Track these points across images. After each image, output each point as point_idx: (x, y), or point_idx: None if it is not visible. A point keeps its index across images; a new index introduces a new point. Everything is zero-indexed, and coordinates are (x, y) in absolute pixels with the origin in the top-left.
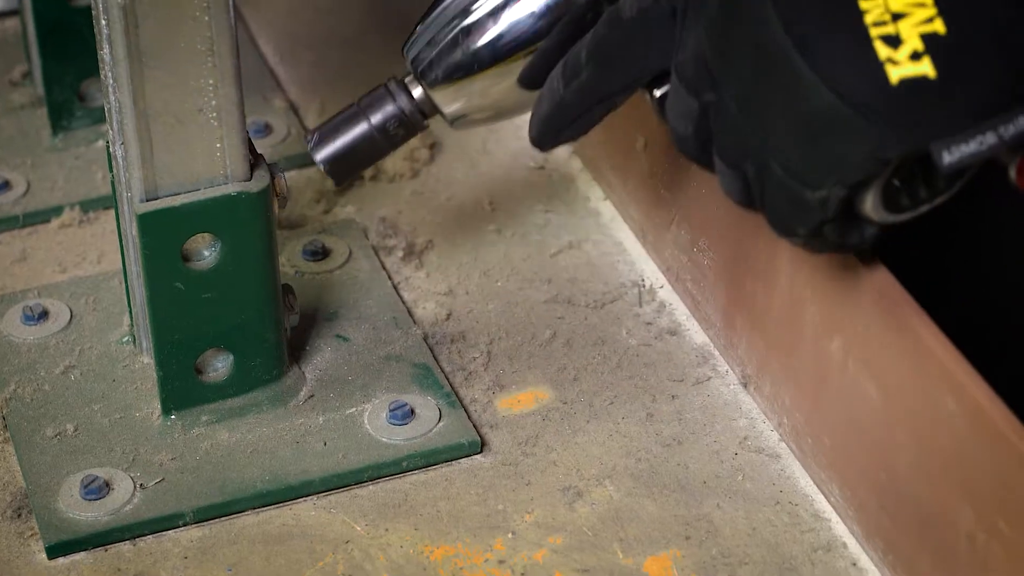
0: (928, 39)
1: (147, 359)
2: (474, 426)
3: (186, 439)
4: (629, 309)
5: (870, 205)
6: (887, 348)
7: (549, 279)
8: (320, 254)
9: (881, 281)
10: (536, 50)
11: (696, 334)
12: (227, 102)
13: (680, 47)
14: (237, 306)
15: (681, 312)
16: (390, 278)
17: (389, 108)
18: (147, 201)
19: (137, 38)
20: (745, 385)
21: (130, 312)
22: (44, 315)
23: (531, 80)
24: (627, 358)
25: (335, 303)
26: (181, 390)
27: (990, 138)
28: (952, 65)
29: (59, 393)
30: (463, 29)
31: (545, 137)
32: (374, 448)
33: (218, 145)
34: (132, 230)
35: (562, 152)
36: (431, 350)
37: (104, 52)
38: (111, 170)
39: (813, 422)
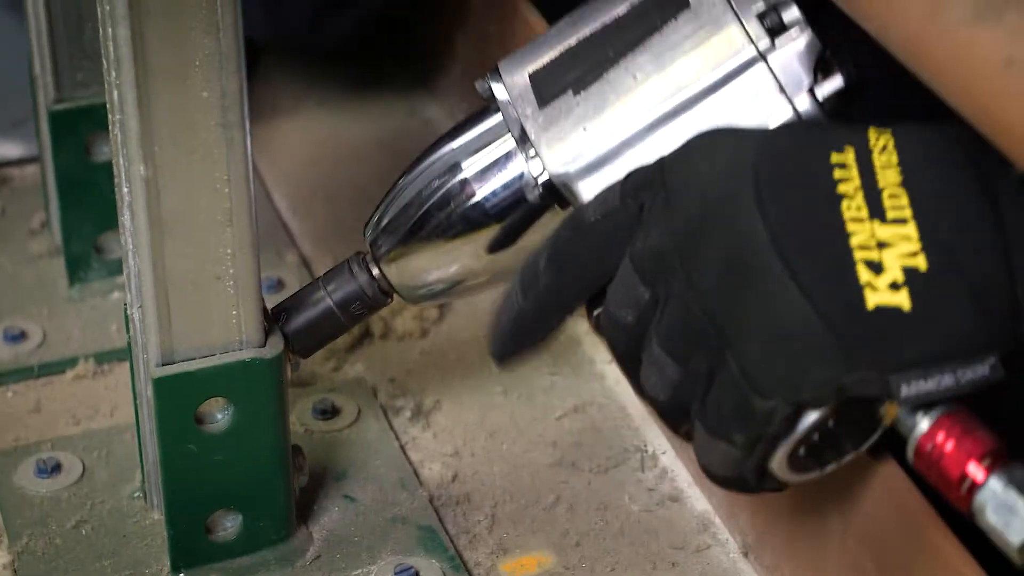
0: (909, 272)
1: (158, 515)
2: None
3: None
4: (632, 474)
5: (777, 466)
6: (886, 526)
7: (554, 442)
8: (329, 413)
9: (888, 472)
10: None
11: (698, 501)
12: (244, 270)
13: (641, 237)
14: (248, 468)
15: (683, 479)
16: (397, 438)
17: (350, 286)
18: (163, 365)
19: (159, 208)
20: (745, 554)
21: (142, 468)
22: (57, 468)
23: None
24: (629, 524)
25: (343, 462)
26: (190, 548)
27: (947, 380)
28: (928, 302)
29: (70, 548)
30: (406, 210)
31: (506, 348)
32: None
33: (234, 312)
34: (147, 392)
35: None
36: (436, 512)
37: (125, 218)
38: (128, 331)
39: None
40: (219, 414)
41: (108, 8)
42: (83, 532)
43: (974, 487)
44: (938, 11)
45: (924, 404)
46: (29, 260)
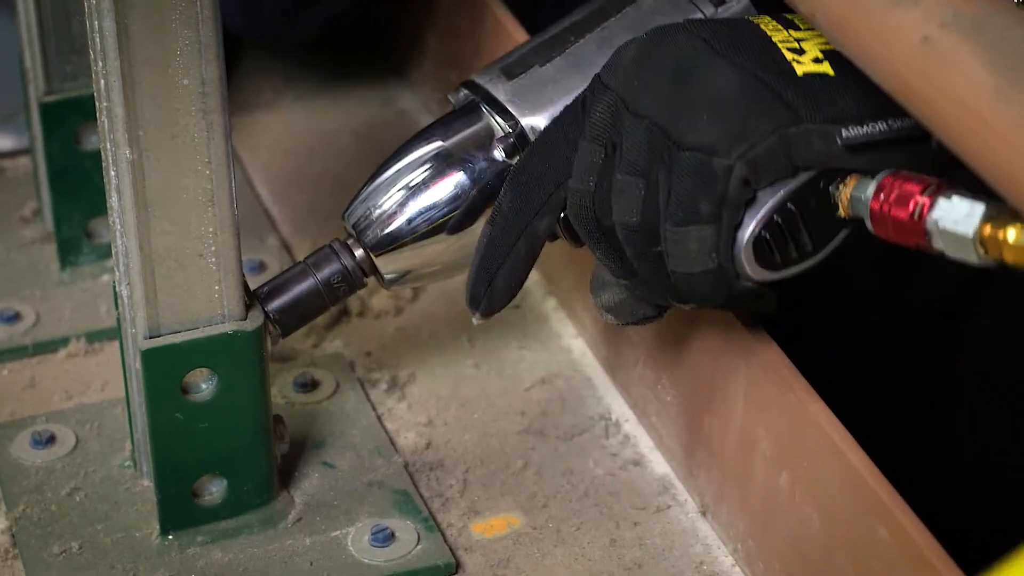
0: (826, 52)
1: (147, 482)
2: (450, 549)
3: (182, 558)
4: (596, 441)
5: (744, 253)
6: (828, 480)
7: (522, 411)
8: (309, 386)
9: (822, 417)
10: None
11: (658, 465)
12: (225, 248)
13: (588, 116)
14: (232, 435)
15: (645, 444)
16: (374, 409)
17: (334, 265)
18: (150, 338)
19: (144, 189)
20: (703, 513)
21: (132, 438)
22: (51, 440)
23: (459, 227)
24: (593, 487)
25: (322, 432)
26: (178, 512)
27: (881, 125)
28: (848, 71)
29: (65, 513)
30: (400, 200)
31: (478, 286)
32: (357, 569)
33: (216, 287)
34: (135, 364)
35: (537, 292)
36: (411, 477)
37: (113, 200)
38: (117, 308)
39: (764, 548)
40: (203, 384)
41: (94, 2)
42: (77, 499)
43: (923, 215)
44: None
45: (868, 170)
46: (22, 246)
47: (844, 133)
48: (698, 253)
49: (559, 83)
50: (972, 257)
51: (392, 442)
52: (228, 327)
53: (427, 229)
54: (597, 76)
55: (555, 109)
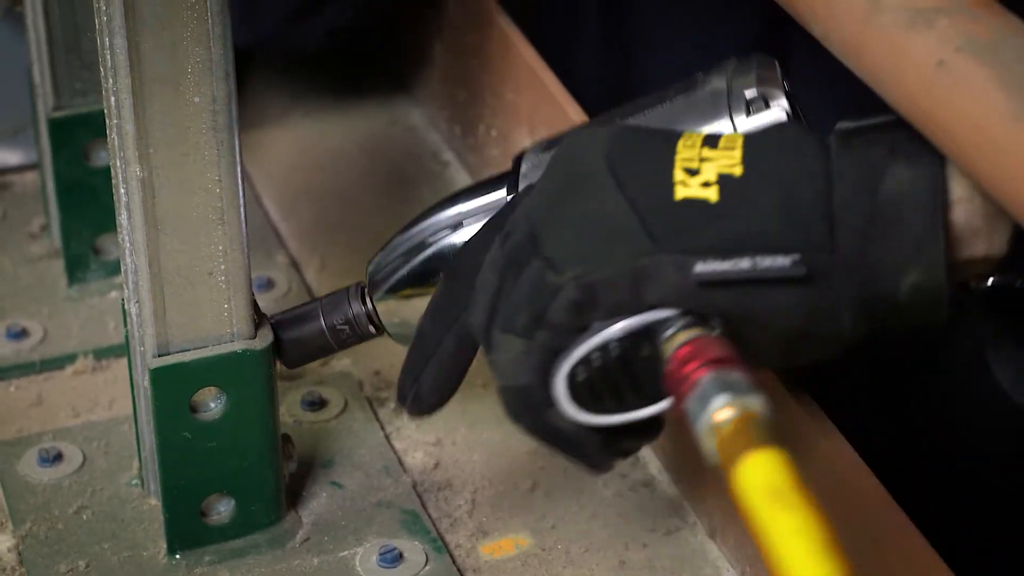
0: (723, 177)
1: (154, 501)
2: (458, 570)
3: None
4: None
5: (559, 384)
6: (837, 503)
7: None
8: (317, 404)
9: (834, 444)
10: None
11: (668, 487)
12: (235, 266)
13: (509, 204)
14: (240, 454)
15: (655, 466)
16: (382, 428)
17: (342, 311)
18: (159, 356)
19: (154, 207)
20: (712, 536)
21: (139, 456)
22: (58, 457)
23: None
24: (603, 508)
25: (331, 451)
26: (186, 531)
27: (744, 263)
28: (735, 197)
29: (72, 532)
30: (407, 254)
31: (405, 380)
32: None
33: (226, 306)
34: (144, 382)
35: None
36: (419, 497)
37: (122, 218)
38: (125, 325)
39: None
40: (212, 403)
41: (106, 19)
42: (84, 517)
43: (688, 390)
44: (875, 17)
45: (690, 336)
46: (30, 262)
47: (698, 267)
48: (507, 365)
49: None
50: (704, 447)
51: (400, 462)
52: (237, 346)
53: (426, 284)
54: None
55: None
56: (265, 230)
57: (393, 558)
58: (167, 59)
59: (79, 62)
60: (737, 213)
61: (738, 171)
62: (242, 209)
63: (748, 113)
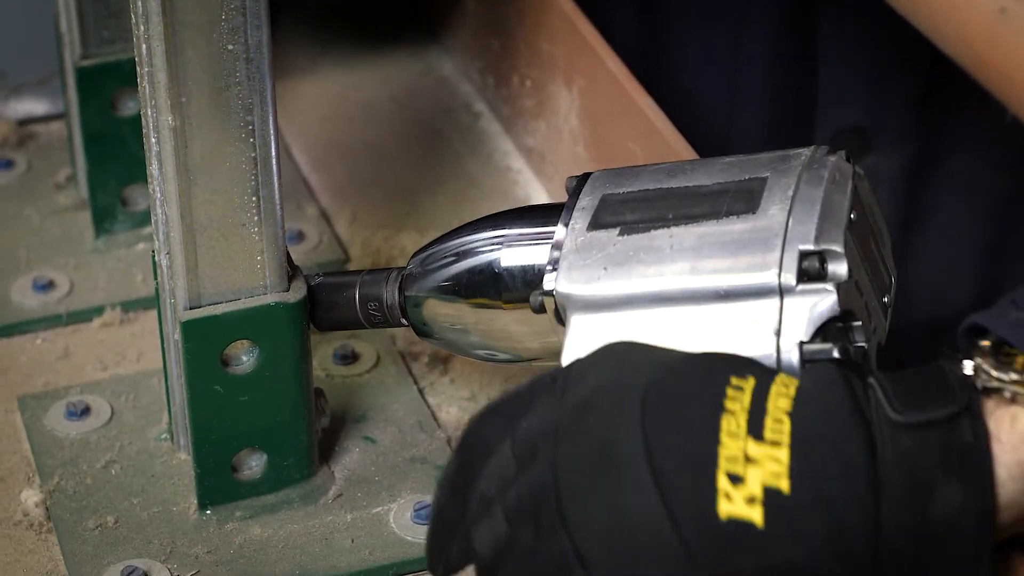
0: (769, 491)
1: (184, 456)
2: None
3: (221, 533)
4: None
5: None
6: None
7: None
8: (350, 358)
9: None
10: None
11: None
12: (268, 217)
13: (528, 417)
14: (272, 408)
15: None
16: (416, 383)
17: (376, 290)
18: (191, 309)
19: (186, 157)
20: None
21: (169, 410)
22: (86, 411)
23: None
24: None
25: (363, 406)
26: (217, 486)
27: None
28: (781, 524)
29: (100, 487)
30: (443, 263)
31: (434, 556)
32: (399, 546)
33: (259, 258)
34: (175, 335)
35: None
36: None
37: (153, 168)
38: (155, 278)
39: None
40: (244, 356)
41: None
42: (112, 472)
43: None
44: None
45: None
46: (56, 213)
47: None
48: None
49: (616, 270)
50: None
51: (434, 417)
52: (270, 298)
53: (456, 296)
54: (568, 369)
55: (595, 292)
56: (295, 182)
57: (428, 514)
58: (200, 5)
59: (107, 10)
60: (783, 541)
61: (785, 486)
62: (276, 159)
63: (799, 280)
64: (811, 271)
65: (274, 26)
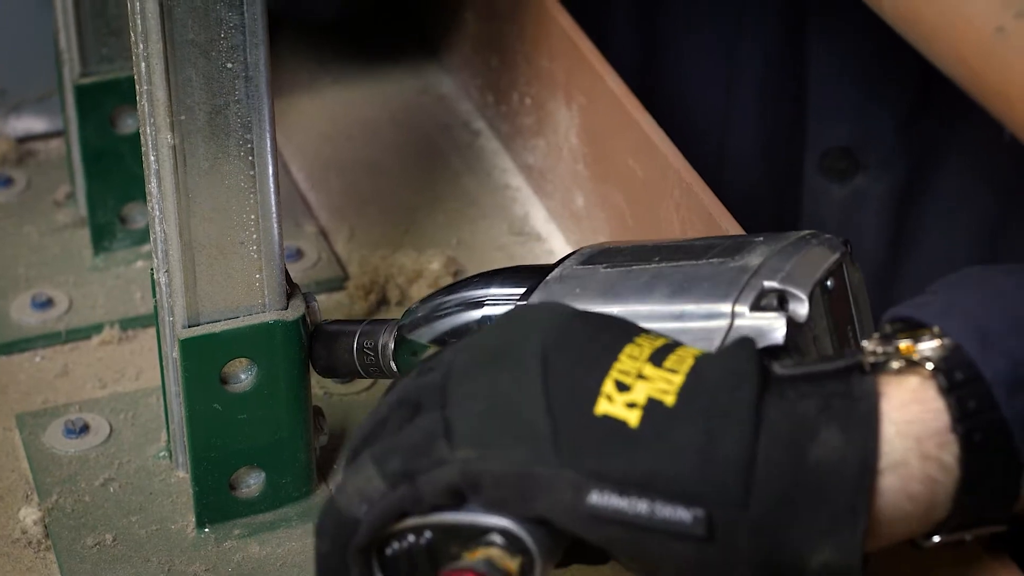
0: (651, 401)
1: (183, 473)
2: None
3: (219, 551)
4: None
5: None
6: None
7: None
8: (348, 377)
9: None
10: None
11: None
12: (267, 236)
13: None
14: (271, 426)
15: None
16: None
17: (374, 338)
18: (189, 327)
19: (184, 175)
20: None
21: (167, 428)
22: (85, 429)
23: None
24: None
25: None
26: (215, 504)
27: (642, 507)
28: (656, 430)
29: (99, 504)
30: (432, 322)
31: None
32: None
33: (257, 276)
34: (173, 353)
35: None
36: None
37: (152, 186)
38: (154, 295)
39: None
40: (243, 374)
41: None
42: (111, 490)
43: None
44: None
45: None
46: (55, 231)
47: (594, 498)
48: (354, 493)
49: (583, 294)
50: None
51: None
52: (269, 316)
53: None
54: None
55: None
56: (294, 200)
57: None
58: (200, 24)
59: (106, 28)
60: (653, 446)
61: (670, 400)
62: (275, 177)
63: (753, 307)
64: (767, 306)
65: (273, 44)
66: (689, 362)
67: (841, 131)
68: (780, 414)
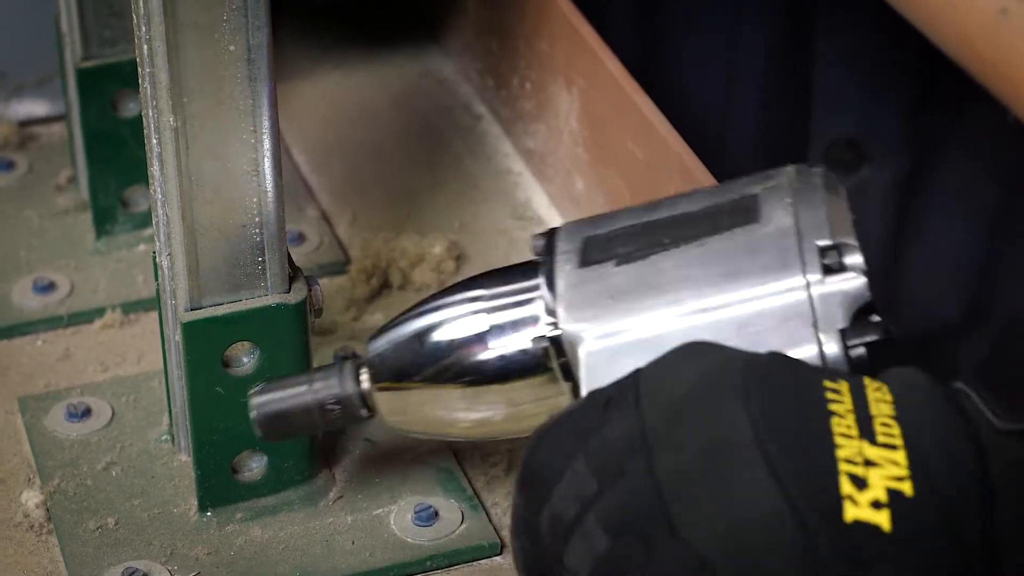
0: (893, 494)
1: (185, 457)
2: (495, 529)
3: (221, 535)
4: None
5: None
6: None
7: None
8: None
9: None
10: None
11: None
12: (269, 219)
13: (600, 432)
14: None
15: None
16: None
17: (334, 388)
18: (192, 310)
19: (187, 158)
20: None
21: (169, 412)
22: (87, 413)
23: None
24: None
25: None
26: (217, 488)
27: None
28: (908, 529)
29: (101, 488)
30: (414, 341)
31: None
32: (400, 548)
33: (260, 259)
34: (176, 336)
35: None
36: (455, 454)
37: (154, 169)
38: (156, 279)
39: None
40: (245, 357)
41: None
42: (113, 473)
43: None
44: None
45: None
46: (56, 215)
47: None
48: None
49: (620, 299)
50: None
51: None
52: (271, 299)
53: (434, 380)
54: (636, 376)
55: (605, 320)
56: (296, 184)
57: (428, 516)
58: (202, 5)
59: (108, 10)
60: (909, 550)
61: (908, 490)
62: (278, 160)
63: (824, 273)
64: (832, 263)
65: (275, 27)
66: (897, 430)
67: (847, 123)
68: (1009, 481)
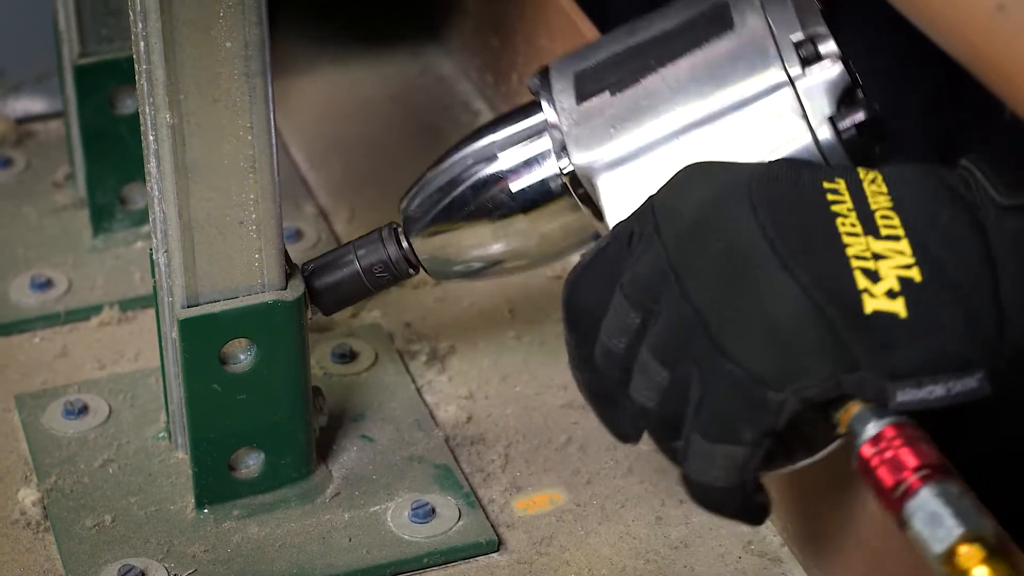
0: (904, 282)
1: (182, 454)
2: (491, 526)
3: (218, 532)
4: None
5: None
6: None
7: (565, 385)
8: (348, 357)
9: None
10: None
11: None
12: (266, 215)
13: (631, 265)
14: (270, 407)
15: None
16: (414, 381)
17: (378, 253)
18: (188, 307)
19: (184, 154)
20: None
21: (166, 409)
22: (84, 410)
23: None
24: (638, 463)
25: (361, 405)
26: (214, 485)
27: (939, 391)
28: (922, 312)
29: (98, 485)
30: (442, 190)
31: (608, 424)
32: (396, 545)
33: (256, 256)
34: (172, 333)
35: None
36: (452, 452)
37: (151, 166)
38: (153, 276)
39: (814, 528)
40: (242, 355)
41: None
42: (110, 471)
43: (906, 496)
44: None
45: (877, 414)
46: (54, 212)
47: (899, 396)
48: (725, 471)
49: (624, 124)
50: (936, 569)
51: (432, 415)
52: (268, 296)
53: (463, 219)
54: (650, 206)
55: (613, 150)
56: (293, 180)
57: (425, 513)
58: (198, 3)
59: (105, 8)
60: (927, 331)
61: (917, 276)
62: (274, 157)
63: (803, 65)
64: (809, 55)
65: (272, 23)
66: (897, 220)
67: None
68: (1010, 253)
